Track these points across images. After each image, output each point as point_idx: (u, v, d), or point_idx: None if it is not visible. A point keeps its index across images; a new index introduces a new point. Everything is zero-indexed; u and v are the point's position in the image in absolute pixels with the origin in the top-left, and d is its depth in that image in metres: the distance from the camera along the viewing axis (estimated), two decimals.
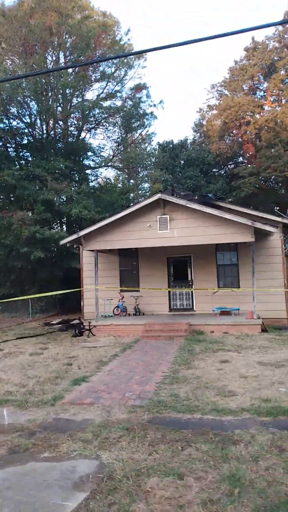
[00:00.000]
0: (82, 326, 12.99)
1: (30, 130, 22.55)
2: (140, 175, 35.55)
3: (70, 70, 24.29)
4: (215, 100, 40.92)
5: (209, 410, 5.41)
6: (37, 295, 15.37)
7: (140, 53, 23.71)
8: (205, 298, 14.47)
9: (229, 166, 40.14)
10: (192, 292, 14.73)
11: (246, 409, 5.37)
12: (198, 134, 41.70)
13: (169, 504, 3.36)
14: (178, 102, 62.31)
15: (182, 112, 61.81)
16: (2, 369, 8.30)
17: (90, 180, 26.05)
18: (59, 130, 24.64)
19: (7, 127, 21.57)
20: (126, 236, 12.89)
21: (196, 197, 14.24)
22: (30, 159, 21.99)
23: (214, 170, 39.77)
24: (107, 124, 26.67)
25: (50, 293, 15.29)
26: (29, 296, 16.08)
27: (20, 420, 5.45)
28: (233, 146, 38.18)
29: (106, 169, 30.28)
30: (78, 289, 15.29)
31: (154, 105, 27.52)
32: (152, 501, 3.41)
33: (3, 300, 15.81)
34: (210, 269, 14.61)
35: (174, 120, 61.26)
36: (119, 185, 30.64)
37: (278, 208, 18.41)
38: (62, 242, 13.97)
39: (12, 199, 19.83)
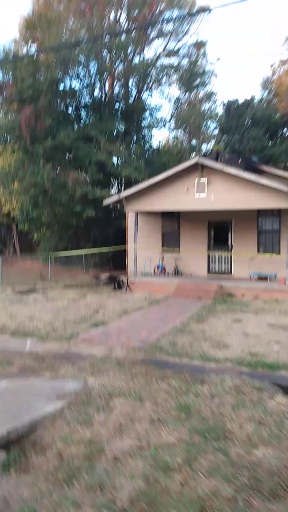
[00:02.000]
0: (121, 281, 13.97)
1: (88, 90, 23.14)
2: (205, 136, 34.63)
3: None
4: None
5: (197, 357, 6.00)
6: (85, 251, 16.55)
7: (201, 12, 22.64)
8: (244, 263, 14.56)
9: None
10: (231, 256, 14.89)
11: (230, 359, 5.87)
12: (267, 91, 39.00)
13: (123, 418, 4.10)
14: (247, 58, 58.03)
15: (252, 70, 57.52)
16: (40, 310, 9.57)
17: (146, 141, 26.24)
18: (117, 90, 24.89)
19: (68, 87, 22.35)
20: (164, 199, 13.28)
21: (239, 161, 14.01)
22: (87, 120, 22.74)
23: (285, 130, 37.36)
24: (167, 83, 26.26)
25: (97, 250, 16.42)
26: (79, 252, 17.41)
27: (38, 349, 6.52)
28: None
29: (159, 130, 30.06)
30: (122, 248, 16.21)
31: (211, 63, 26.34)
32: (112, 414, 4.19)
33: (58, 255, 17.30)
34: (250, 234, 14.56)
35: (240, 78, 57.39)
36: (178, 146, 30.38)
37: None
38: (105, 202, 14.76)
39: (68, 159, 20.92)
